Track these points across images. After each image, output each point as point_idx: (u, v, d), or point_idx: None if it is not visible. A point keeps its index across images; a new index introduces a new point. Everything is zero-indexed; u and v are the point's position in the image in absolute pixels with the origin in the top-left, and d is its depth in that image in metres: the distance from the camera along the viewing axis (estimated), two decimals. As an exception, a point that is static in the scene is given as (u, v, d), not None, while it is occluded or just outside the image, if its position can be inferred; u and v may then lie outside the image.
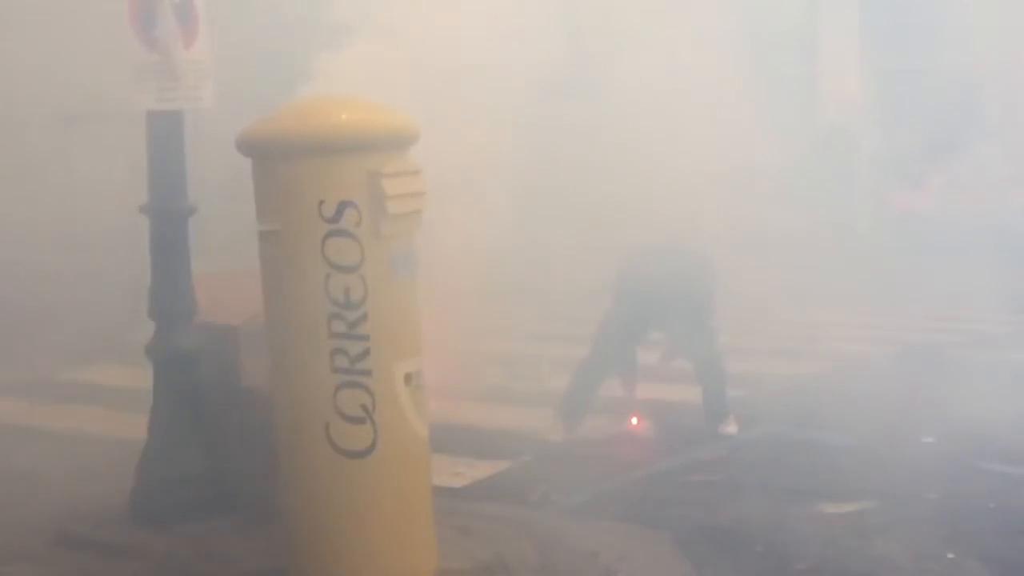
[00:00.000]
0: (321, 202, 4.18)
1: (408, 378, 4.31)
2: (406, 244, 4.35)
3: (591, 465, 6.48)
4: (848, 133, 16.89)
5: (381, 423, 4.25)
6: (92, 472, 6.22)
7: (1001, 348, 9.71)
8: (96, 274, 9.15)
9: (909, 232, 15.48)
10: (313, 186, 4.20)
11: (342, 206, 4.18)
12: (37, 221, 9.53)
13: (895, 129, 16.65)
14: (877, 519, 5.51)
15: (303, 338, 4.26)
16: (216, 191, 6.71)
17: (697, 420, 7.17)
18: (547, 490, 5.98)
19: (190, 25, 5.24)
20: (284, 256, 4.28)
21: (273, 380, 4.43)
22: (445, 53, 7.52)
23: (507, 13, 7.63)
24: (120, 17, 5.17)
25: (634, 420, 7.16)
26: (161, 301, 5.37)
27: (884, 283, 13.04)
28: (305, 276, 4.22)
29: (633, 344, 7.23)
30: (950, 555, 5.05)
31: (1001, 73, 15.89)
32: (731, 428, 7.09)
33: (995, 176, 15.70)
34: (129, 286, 6.23)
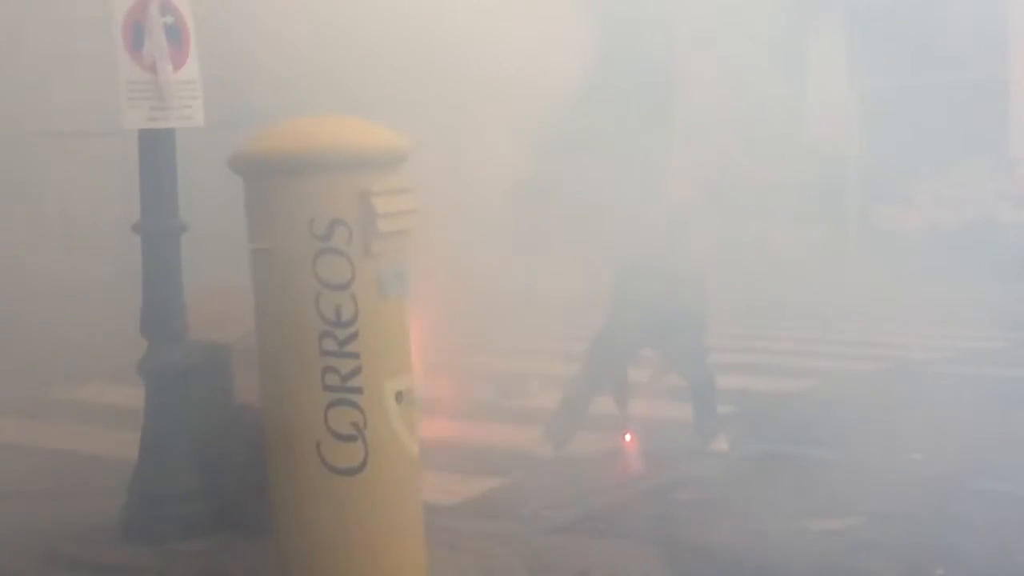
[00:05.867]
0: (312, 220, 4.18)
1: (399, 396, 4.31)
2: (397, 262, 4.35)
3: (582, 482, 6.47)
4: (835, 149, 16.95)
5: (372, 441, 4.25)
6: (83, 490, 6.20)
7: (990, 364, 9.73)
8: (88, 292, 9.13)
9: (897, 248, 15.54)
10: (304, 204, 4.20)
11: (333, 224, 4.18)
12: (30, 239, 9.53)
13: (882, 146, 16.71)
14: (866, 536, 5.51)
15: (294, 356, 4.26)
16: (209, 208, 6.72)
17: (688, 437, 7.16)
18: (538, 507, 5.97)
19: (181, 45, 5.25)
20: (275, 274, 4.27)
21: (264, 398, 4.42)
22: (449, 65, 7.55)
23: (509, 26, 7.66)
24: (112, 36, 5.17)
25: (625, 437, 7.15)
26: (153, 319, 5.36)
27: (873, 299, 13.08)
28: (296, 294, 4.22)
29: (625, 361, 7.23)
30: (939, 571, 5.05)
31: (988, 89, 15.96)
32: (721, 445, 7.09)
33: (982, 192, 15.77)
34: (122, 304, 6.21)
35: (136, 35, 5.14)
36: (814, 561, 5.19)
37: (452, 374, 8.44)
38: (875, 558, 5.21)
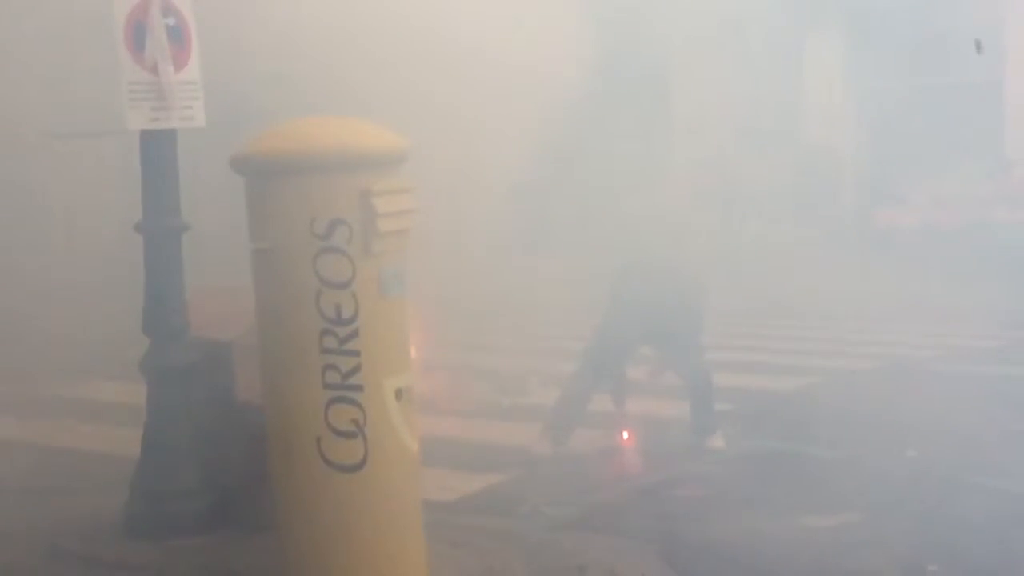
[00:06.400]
0: (313, 220, 4.19)
1: (399, 393, 4.32)
2: (396, 261, 4.36)
3: (580, 479, 6.48)
4: (833, 151, 16.97)
5: (372, 438, 4.25)
6: (86, 487, 6.21)
7: (985, 363, 9.74)
8: (92, 291, 9.14)
9: (894, 248, 15.56)
10: (305, 204, 4.20)
11: (333, 224, 4.19)
12: (34, 239, 9.54)
13: (879, 147, 16.73)
14: (862, 532, 5.52)
15: (295, 354, 4.27)
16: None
17: (685, 434, 7.17)
18: (536, 504, 5.98)
19: (183, 47, 5.26)
20: (276, 273, 4.28)
21: (265, 395, 4.43)
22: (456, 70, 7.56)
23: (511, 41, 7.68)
24: (115, 38, 5.18)
25: (623, 434, 7.17)
26: (155, 317, 5.37)
27: (869, 298, 13.09)
28: (297, 293, 4.23)
29: (623, 360, 7.24)
30: (932, 567, 5.06)
31: (984, 92, 15.98)
32: (718, 442, 7.10)
33: (978, 193, 15.79)
34: (124, 303, 6.22)
35: (138, 36, 5.15)
36: (809, 557, 5.21)
37: (452, 372, 8.46)
38: (870, 554, 5.23)
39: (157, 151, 5.32)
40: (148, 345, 5.41)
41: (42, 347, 8.99)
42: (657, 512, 5.91)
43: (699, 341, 7.26)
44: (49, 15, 9.13)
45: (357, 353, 4.22)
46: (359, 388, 4.23)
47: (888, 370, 9.55)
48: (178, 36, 5.24)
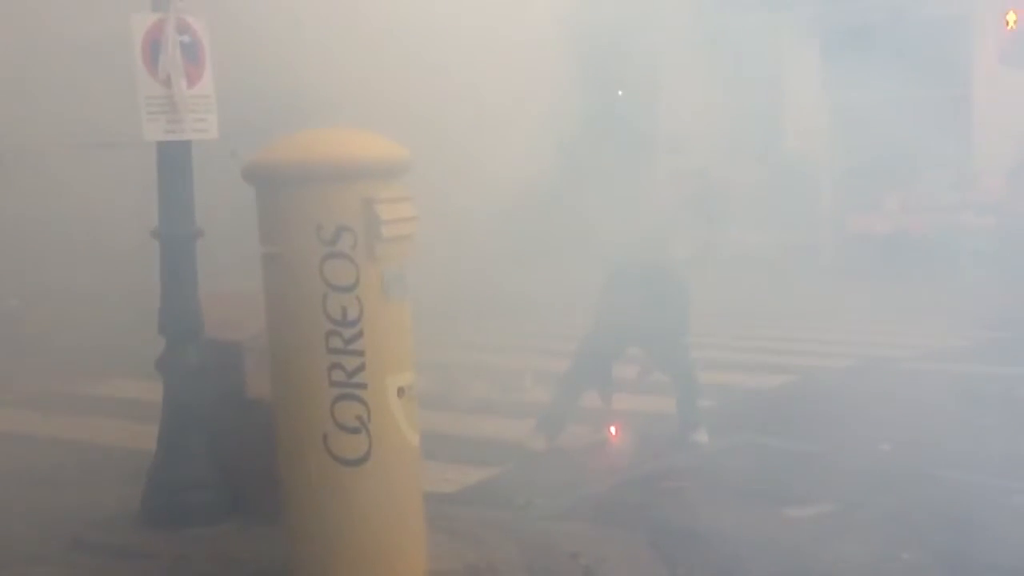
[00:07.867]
0: (319, 226, 4.19)
1: (401, 391, 4.31)
2: (399, 265, 4.35)
3: (572, 472, 6.47)
4: (810, 161, 16.97)
5: (375, 433, 4.25)
6: (106, 479, 6.20)
7: (955, 361, 9.73)
8: (111, 294, 9.12)
9: (868, 252, 15.58)
10: (312, 212, 4.20)
11: (339, 230, 4.19)
12: (58, 244, 9.52)
13: (854, 157, 16.75)
14: (838, 522, 5.51)
15: (302, 354, 4.26)
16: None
17: (670, 430, 7.16)
18: (531, 496, 5.97)
19: (197, 63, 5.25)
20: (285, 277, 4.28)
21: (274, 393, 4.42)
22: (452, 76, 7.54)
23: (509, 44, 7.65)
24: (133, 54, 5.16)
25: (612, 430, 7.16)
26: (170, 319, 5.36)
27: (845, 300, 13.10)
28: (304, 296, 4.23)
29: (611, 359, 7.23)
30: (905, 555, 5.05)
31: (953, 105, 16.01)
32: (702, 437, 7.09)
33: (947, 200, 15.81)
34: (141, 305, 6.21)
35: (154, 52, 5.13)
36: (788, 545, 5.20)
37: (452, 370, 8.45)
38: (845, 543, 5.22)
39: (173, 161, 5.31)
40: (164, 345, 5.39)
41: (65, 347, 8.97)
42: (645, 503, 5.90)
43: (684, 341, 7.24)
44: (77, 32, 9.13)
45: (361, 353, 4.22)
46: (363, 386, 4.23)
47: (863, 368, 9.55)
48: (192, 53, 5.23)
